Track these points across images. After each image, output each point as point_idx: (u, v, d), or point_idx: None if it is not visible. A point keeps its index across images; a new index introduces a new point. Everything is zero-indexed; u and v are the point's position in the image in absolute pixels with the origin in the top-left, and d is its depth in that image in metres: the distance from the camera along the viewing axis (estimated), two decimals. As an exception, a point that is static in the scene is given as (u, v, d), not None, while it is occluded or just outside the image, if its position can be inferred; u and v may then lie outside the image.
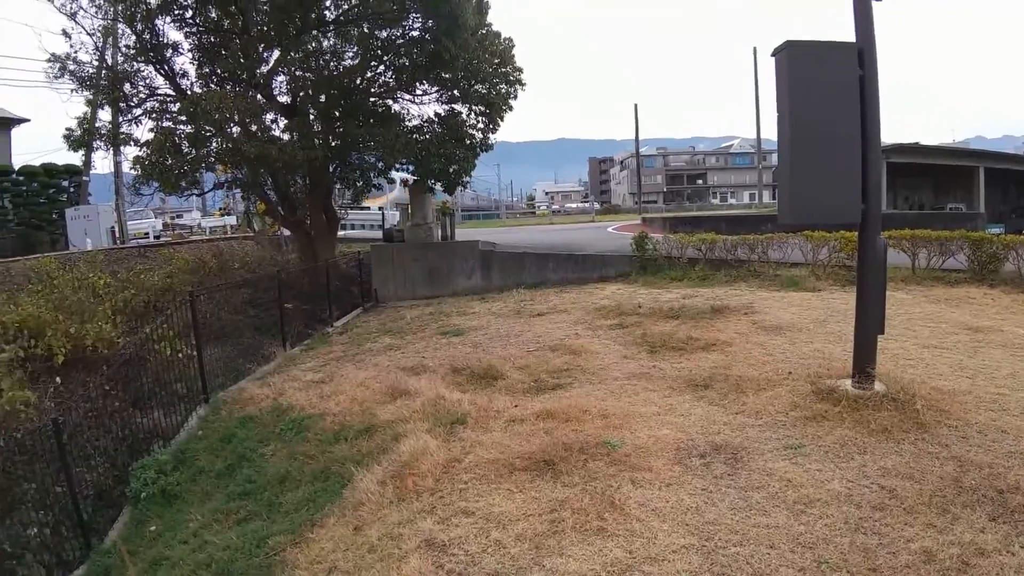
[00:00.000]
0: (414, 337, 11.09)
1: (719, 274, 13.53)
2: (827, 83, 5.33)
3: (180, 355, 9.38)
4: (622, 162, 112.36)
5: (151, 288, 12.66)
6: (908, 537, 3.63)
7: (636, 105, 60.44)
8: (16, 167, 29.75)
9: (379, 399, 7.40)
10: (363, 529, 4.61)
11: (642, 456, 4.95)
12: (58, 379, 9.54)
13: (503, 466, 5.02)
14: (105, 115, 16.76)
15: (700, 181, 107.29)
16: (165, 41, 15.39)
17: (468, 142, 17.08)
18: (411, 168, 17.65)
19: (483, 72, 16.36)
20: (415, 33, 16.00)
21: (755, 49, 45.99)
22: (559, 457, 4.99)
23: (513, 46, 16.90)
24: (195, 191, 16.37)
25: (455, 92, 16.93)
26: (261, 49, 15.52)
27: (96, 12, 14.95)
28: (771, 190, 72.90)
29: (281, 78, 16.39)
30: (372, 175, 17.78)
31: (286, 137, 15.69)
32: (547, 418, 5.96)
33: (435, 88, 17.16)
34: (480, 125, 17.32)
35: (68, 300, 10.81)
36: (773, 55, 5.47)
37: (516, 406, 6.53)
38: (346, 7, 16.03)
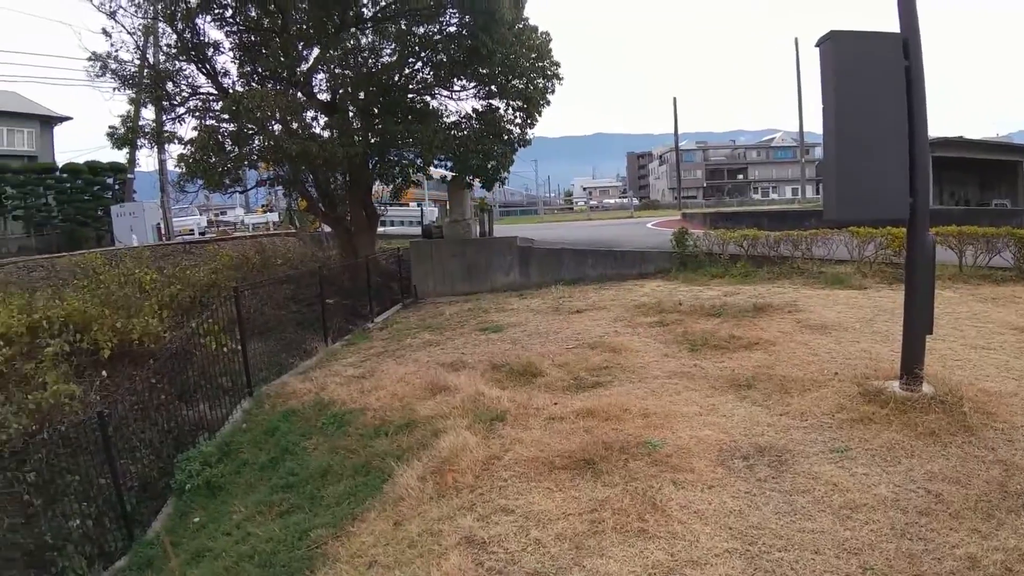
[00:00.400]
0: (453, 333, 11.14)
1: (761, 271, 13.32)
2: (873, 74, 5.21)
3: (225, 349, 9.57)
4: (661, 156, 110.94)
5: (196, 284, 12.98)
6: (953, 543, 3.57)
7: (675, 99, 59.80)
8: (59, 165, 30.68)
9: (419, 395, 7.47)
10: (403, 524, 4.67)
11: (684, 457, 4.92)
12: (104, 372, 9.77)
13: (543, 464, 5.04)
14: (148, 113, 17.12)
15: (741, 176, 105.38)
16: (206, 40, 15.69)
17: (506, 138, 17.09)
18: (449, 164, 17.74)
19: (520, 67, 16.36)
20: (452, 29, 16.09)
21: (796, 40, 45.08)
22: (599, 456, 4.99)
23: (550, 40, 16.88)
24: (238, 188, 16.72)
25: (492, 87, 16.96)
26: (301, 47, 15.76)
27: (136, 11, 15.22)
28: (815, 184, 71.27)
29: (321, 76, 16.65)
30: (411, 171, 17.90)
31: (326, 134, 15.91)
32: (587, 416, 5.95)
33: (473, 84, 17.21)
34: (518, 120, 17.31)
35: (115, 295, 11.10)
36: (817, 45, 5.37)
37: (556, 404, 6.54)
38: (384, 4, 16.15)
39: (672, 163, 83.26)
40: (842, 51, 5.21)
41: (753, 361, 7.42)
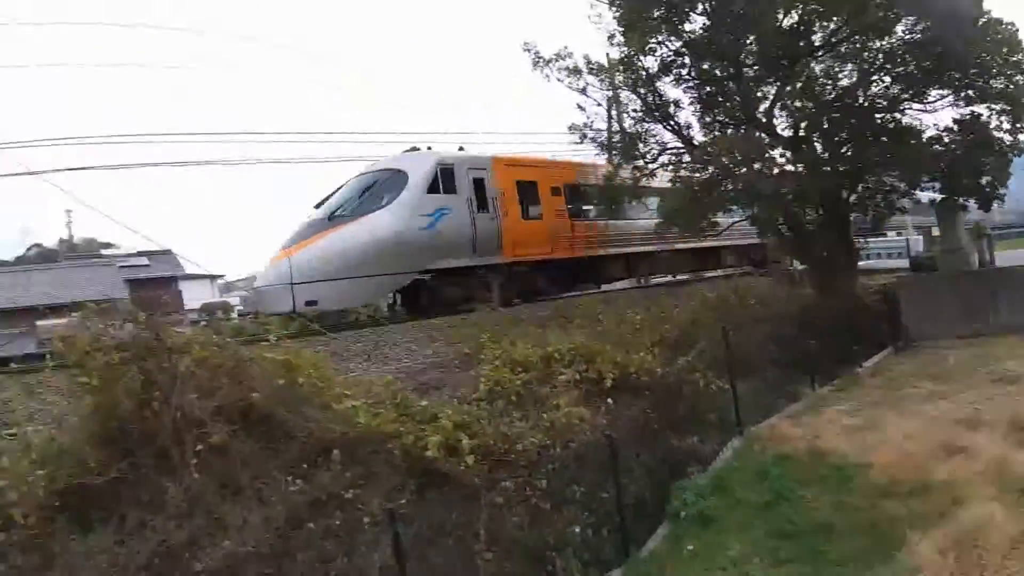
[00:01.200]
0: (959, 384, 10.08)
1: None
2: None
3: (712, 387, 10.20)
4: None
5: (679, 322, 13.96)
6: None
7: None
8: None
9: (930, 454, 7.03)
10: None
11: None
12: (609, 400, 11.19)
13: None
14: (624, 172, 19.23)
15: None
16: (667, 100, 17.16)
17: (997, 148, 15.05)
18: (936, 185, 16.04)
19: (995, 65, 14.43)
20: (918, 36, 14.86)
21: None
22: None
23: (1016, 30, 14.50)
24: (711, 232, 17.64)
25: (970, 92, 15.08)
26: (755, 88, 16.07)
27: (600, 84, 17.57)
28: None
29: (779, 112, 16.74)
30: (894, 198, 16.66)
31: (791, 169, 15.95)
32: None
33: (948, 91, 15.50)
34: (1005, 126, 15.06)
35: (612, 332, 12.64)
36: None
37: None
38: (832, 27, 15.62)
39: None
40: None
41: None
